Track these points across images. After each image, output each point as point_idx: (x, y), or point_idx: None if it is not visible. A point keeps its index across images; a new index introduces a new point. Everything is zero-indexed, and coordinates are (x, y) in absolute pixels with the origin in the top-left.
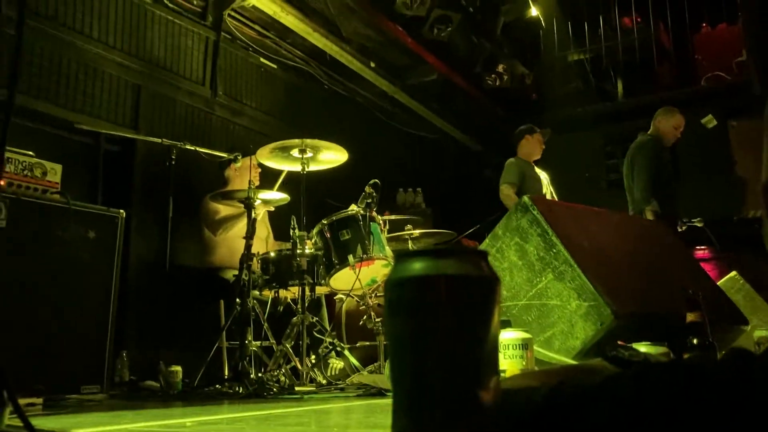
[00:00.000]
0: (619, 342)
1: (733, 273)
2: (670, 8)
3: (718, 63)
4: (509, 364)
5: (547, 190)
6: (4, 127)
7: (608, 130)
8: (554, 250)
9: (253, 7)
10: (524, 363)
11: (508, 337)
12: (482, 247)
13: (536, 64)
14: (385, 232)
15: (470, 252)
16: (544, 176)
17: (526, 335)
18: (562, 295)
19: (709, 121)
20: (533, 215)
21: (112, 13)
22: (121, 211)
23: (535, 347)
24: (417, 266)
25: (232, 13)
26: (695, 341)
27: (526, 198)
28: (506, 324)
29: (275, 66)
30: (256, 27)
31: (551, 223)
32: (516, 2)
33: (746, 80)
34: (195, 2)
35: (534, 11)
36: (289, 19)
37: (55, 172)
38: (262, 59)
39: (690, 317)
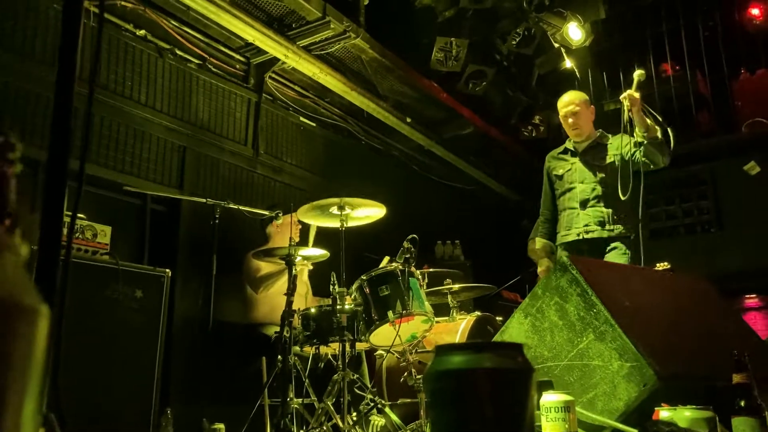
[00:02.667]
0: (663, 405)
1: None
2: (706, 55)
3: (758, 109)
4: (551, 427)
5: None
6: (77, 196)
7: (649, 178)
8: (594, 310)
9: (293, 69)
10: (567, 426)
11: (549, 399)
12: (522, 307)
13: None
14: (425, 287)
15: (506, 346)
16: None
17: (568, 398)
18: (603, 356)
19: (752, 167)
20: (572, 275)
21: (159, 78)
22: (167, 270)
23: (577, 408)
24: (456, 360)
25: (273, 75)
26: (743, 403)
27: (564, 258)
28: (548, 385)
29: (314, 124)
30: (296, 87)
31: (591, 282)
32: (550, 55)
33: None
34: (238, 66)
35: (568, 63)
36: (328, 80)
37: (104, 233)
38: (301, 118)
39: (736, 378)
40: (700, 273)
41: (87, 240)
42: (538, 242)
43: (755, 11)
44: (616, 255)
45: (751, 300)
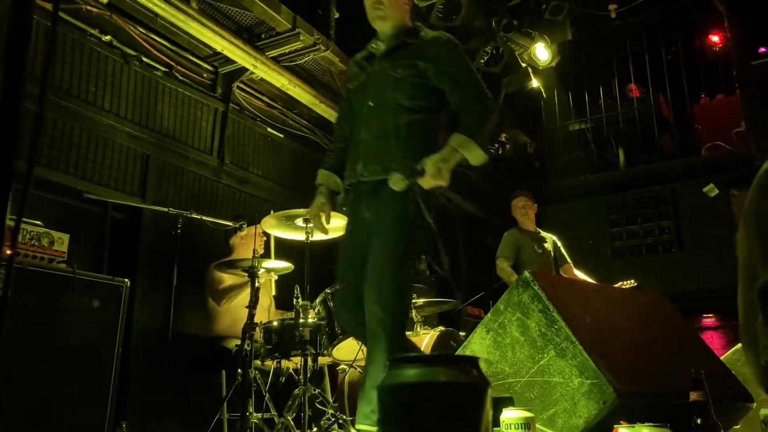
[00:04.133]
0: (622, 422)
1: (739, 345)
2: (669, 79)
3: (718, 133)
4: None
5: (549, 254)
6: (22, 199)
7: (611, 198)
8: (556, 326)
9: (262, 79)
10: None
11: (510, 416)
12: (484, 322)
13: (538, 133)
14: None
15: (461, 360)
16: (549, 241)
17: (529, 414)
18: (564, 373)
19: (711, 190)
20: (534, 290)
21: (125, 85)
22: (126, 280)
23: (538, 425)
24: (410, 373)
25: (241, 85)
26: (699, 421)
27: (527, 273)
28: (509, 402)
29: (282, 135)
30: (264, 98)
31: (552, 298)
32: (517, 74)
33: (746, 150)
34: (205, 75)
35: (535, 83)
36: (297, 91)
37: (62, 241)
38: (269, 129)
39: (693, 396)
40: (660, 292)
41: (43, 247)
42: (320, 175)
43: (715, 38)
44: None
45: (709, 319)
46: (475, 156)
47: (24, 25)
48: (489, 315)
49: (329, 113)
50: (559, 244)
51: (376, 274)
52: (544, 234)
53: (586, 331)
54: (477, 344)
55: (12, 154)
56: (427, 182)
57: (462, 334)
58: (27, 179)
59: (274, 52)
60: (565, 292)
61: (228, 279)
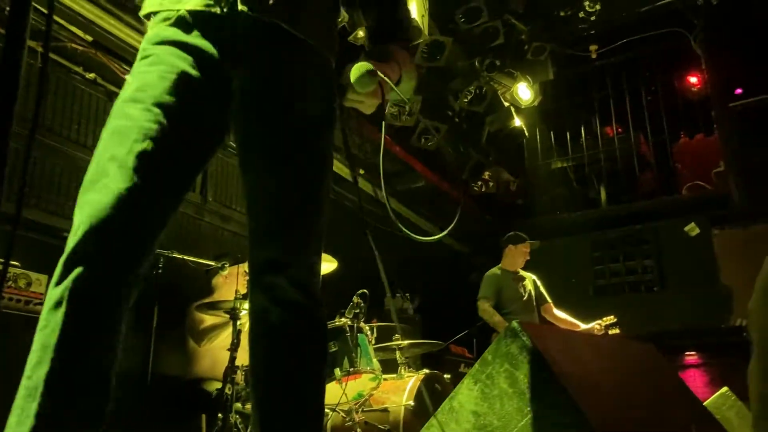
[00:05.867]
0: None
1: (724, 389)
2: (649, 119)
3: (698, 172)
4: None
5: (530, 294)
6: (10, 242)
7: (594, 236)
8: (545, 378)
9: None
10: None
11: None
12: (472, 372)
13: (521, 171)
14: (373, 342)
15: None
16: (529, 280)
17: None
18: (554, 425)
19: (692, 229)
20: (523, 341)
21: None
22: None
23: None
24: None
25: None
26: None
27: (515, 324)
28: None
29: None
30: None
31: (541, 349)
32: (500, 113)
33: (726, 190)
34: None
35: (517, 122)
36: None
37: (40, 282)
38: None
39: None
40: (643, 330)
41: (20, 289)
42: None
43: (693, 79)
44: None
45: (691, 357)
46: None
47: (14, 65)
48: (477, 366)
49: None
50: (539, 283)
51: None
52: (523, 273)
53: (575, 382)
54: (464, 396)
55: None
56: None
57: (447, 376)
58: (15, 222)
59: None
60: (554, 342)
61: (209, 320)
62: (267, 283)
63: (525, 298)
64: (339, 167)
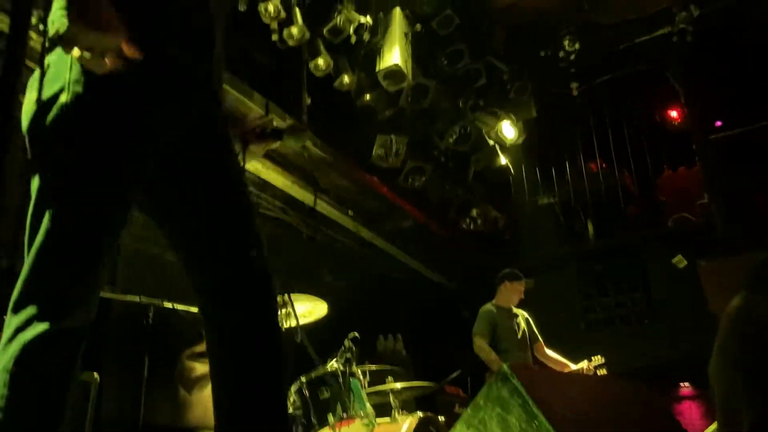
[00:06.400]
0: None
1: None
2: (632, 153)
3: (683, 204)
4: None
5: (523, 331)
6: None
7: (582, 270)
8: (536, 422)
9: None
10: None
11: None
12: (464, 418)
13: (508, 207)
14: (366, 386)
15: None
16: (522, 318)
17: None
18: None
19: (680, 261)
20: (513, 385)
21: None
22: (95, 374)
23: None
24: None
25: None
26: None
27: (506, 367)
28: None
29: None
30: None
31: (531, 393)
32: (485, 152)
33: (711, 221)
34: None
35: (503, 160)
36: (271, 174)
37: None
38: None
39: None
40: (637, 363)
41: None
42: None
43: (674, 113)
44: None
45: (686, 389)
46: None
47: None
48: (468, 410)
49: (303, 195)
50: (531, 321)
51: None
52: (517, 311)
53: (566, 424)
54: None
55: None
56: None
57: (441, 419)
58: (9, 277)
59: None
60: (544, 385)
61: (200, 368)
62: None
63: (519, 336)
64: (328, 210)
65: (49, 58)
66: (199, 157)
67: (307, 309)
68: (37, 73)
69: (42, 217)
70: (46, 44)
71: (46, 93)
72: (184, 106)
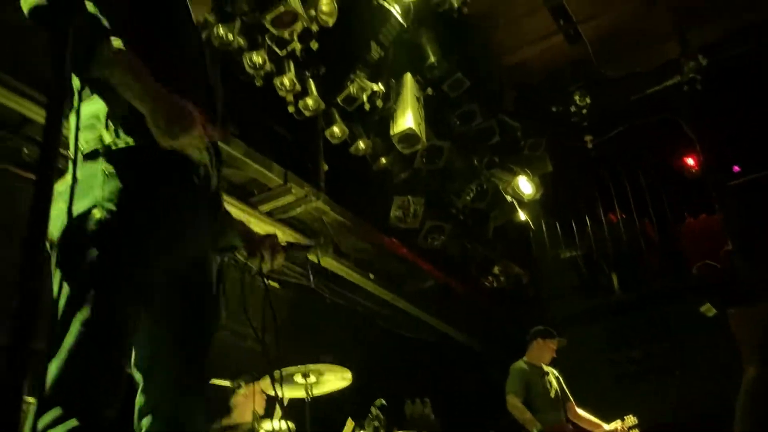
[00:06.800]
0: None
1: None
2: (651, 203)
3: (706, 252)
4: None
5: (556, 391)
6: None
7: (609, 323)
8: None
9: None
10: None
11: None
12: None
13: (530, 262)
14: None
15: None
16: (553, 376)
17: None
18: None
19: (708, 309)
20: None
21: None
22: None
23: None
24: None
25: None
26: None
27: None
28: None
29: (277, 285)
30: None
31: None
32: (503, 208)
33: (736, 268)
34: None
35: (522, 215)
36: (289, 240)
37: None
38: (265, 279)
39: None
40: (669, 418)
41: None
42: None
43: (690, 161)
44: None
45: None
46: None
47: (43, 207)
48: None
49: (324, 260)
50: (561, 380)
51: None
52: (547, 368)
53: None
54: None
55: (30, 334)
56: None
57: None
58: (46, 358)
59: (267, 207)
60: None
61: None
62: None
63: (552, 395)
64: (349, 273)
65: (79, 173)
66: (197, 272)
67: (332, 378)
68: (61, 186)
69: (71, 321)
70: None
71: (78, 207)
72: (210, 223)
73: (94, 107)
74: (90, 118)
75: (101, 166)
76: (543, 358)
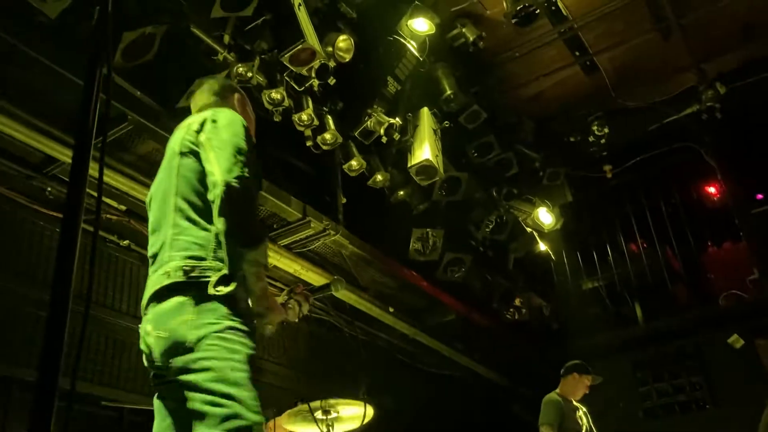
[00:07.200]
0: None
1: None
2: (672, 231)
3: (732, 281)
4: None
5: (585, 426)
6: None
7: (635, 355)
8: None
9: (275, 266)
10: None
11: None
12: None
13: (552, 294)
14: None
15: None
16: (582, 412)
17: None
18: None
19: (736, 341)
20: None
21: (142, 286)
22: None
23: None
24: None
25: None
26: None
27: None
28: None
29: (296, 320)
30: (278, 284)
31: None
32: (523, 239)
33: (764, 298)
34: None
35: (542, 246)
36: (309, 275)
37: None
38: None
39: None
40: None
41: None
42: None
43: (711, 189)
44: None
45: None
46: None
47: (70, 248)
48: None
49: (342, 293)
50: (590, 418)
51: None
52: (577, 404)
53: None
54: None
55: (57, 373)
56: None
57: None
58: (70, 397)
59: (286, 241)
60: None
61: None
62: None
63: (584, 428)
64: (369, 307)
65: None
66: None
67: (353, 413)
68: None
69: None
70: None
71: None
72: None
73: None
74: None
75: None
76: (576, 394)
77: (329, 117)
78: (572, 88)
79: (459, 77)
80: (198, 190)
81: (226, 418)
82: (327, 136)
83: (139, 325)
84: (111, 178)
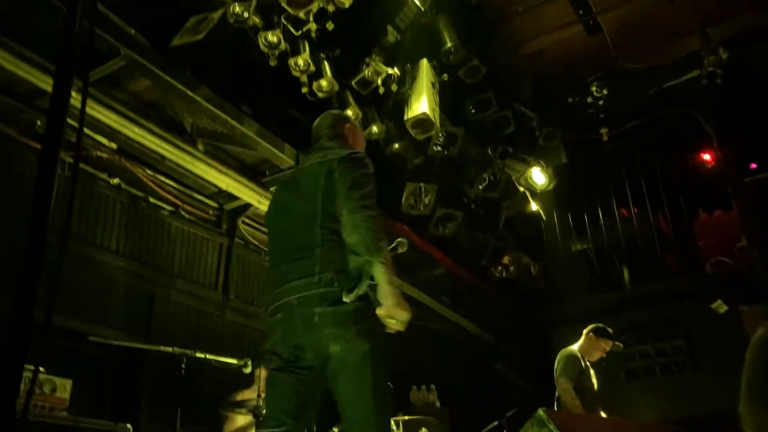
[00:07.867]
0: None
1: None
2: (665, 198)
3: (720, 249)
4: None
5: (597, 386)
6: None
7: (619, 318)
8: None
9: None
10: None
11: None
12: None
13: (541, 254)
14: None
15: None
16: (593, 372)
17: None
18: None
19: (719, 306)
20: (549, 429)
21: (131, 225)
22: (128, 426)
23: None
24: None
25: (246, 220)
26: None
27: (541, 412)
28: None
29: None
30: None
31: None
32: (515, 198)
33: (750, 265)
34: (211, 212)
35: (534, 206)
36: None
37: (64, 387)
38: None
39: None
40: (679, 414)
41: (45, 395)
42: None
43: (707, 156)
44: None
45: None
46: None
47: (48, 179)
48: None
49: None
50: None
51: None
52: (588, 364)
53: None
54: None
55: (32, 305)
56: None
57: None
58: (45, 329)
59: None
60: (580, 428)
61: (240, 418)
62: None
63: (595, 390)
64: None
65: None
66: None
67: None
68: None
69: None
70: None
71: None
72: None
73: None
74: None
75: None
76: (591, 355)
77: (326, 63)
78: (573, 47)
79: (460, 30)
80: None
81: None
82: (323, 83)
83: None
84: (103, 115)
